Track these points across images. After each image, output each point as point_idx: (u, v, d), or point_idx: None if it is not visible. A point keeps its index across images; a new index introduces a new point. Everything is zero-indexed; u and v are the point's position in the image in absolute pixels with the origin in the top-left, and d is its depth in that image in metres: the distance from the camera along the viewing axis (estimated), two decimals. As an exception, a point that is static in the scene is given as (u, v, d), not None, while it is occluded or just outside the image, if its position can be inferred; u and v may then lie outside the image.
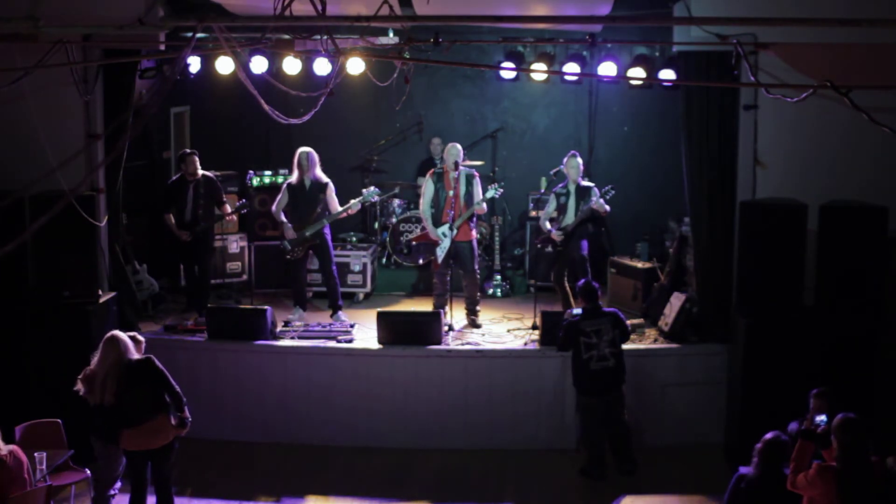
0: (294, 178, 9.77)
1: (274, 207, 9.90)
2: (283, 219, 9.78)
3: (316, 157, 9.71)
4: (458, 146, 9.71)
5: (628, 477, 8.14)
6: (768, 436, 5.81)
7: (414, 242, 10.74)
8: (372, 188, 10.12)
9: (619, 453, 8.20)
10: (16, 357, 8.45)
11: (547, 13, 9.09)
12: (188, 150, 10.13)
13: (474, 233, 9.73)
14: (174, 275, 10.84)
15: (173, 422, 6.74)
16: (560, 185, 9.68)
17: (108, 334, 6.84)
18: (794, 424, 6.50)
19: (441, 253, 9.59)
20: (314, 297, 10.52)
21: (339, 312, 9.85)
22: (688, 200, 8.90)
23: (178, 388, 6.77)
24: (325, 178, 9.75)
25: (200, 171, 10.04)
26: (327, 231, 9.82)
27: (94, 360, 6.78)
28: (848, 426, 5.42)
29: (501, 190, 9.63)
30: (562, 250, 9.58)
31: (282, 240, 9.85)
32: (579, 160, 9.56)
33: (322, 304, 10.32)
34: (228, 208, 10.20)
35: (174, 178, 10.26)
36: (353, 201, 9.77)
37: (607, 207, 9.41)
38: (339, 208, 9.73)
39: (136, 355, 6.76)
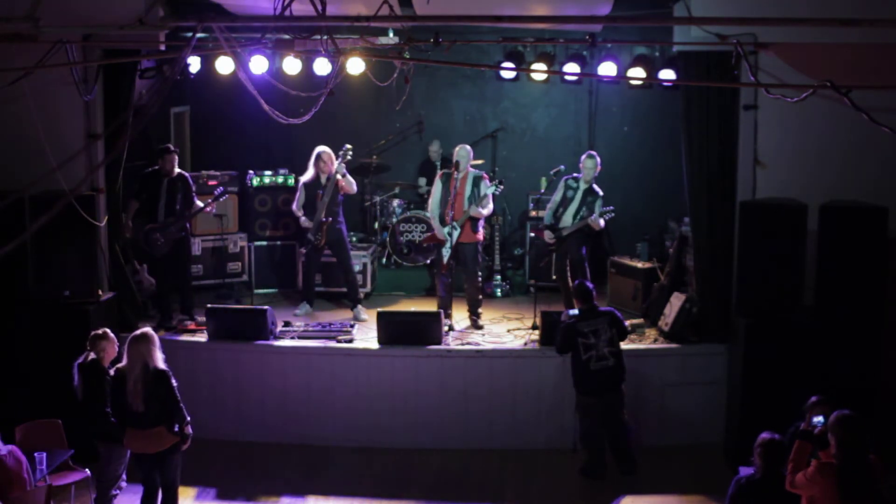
0: (309, 176, 9.85)
1: (294, 206, 10.00)
2: (300, 213, 9.89)
3: (332, 154, 9.83)
4: (468, 147, 9.65)
5: (628, 477, 8.15)
6: (766, 436, 5.78)
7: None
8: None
9: (619, 453, 8.20)
10: (16, 357, 8.46)
11: (547, 13, 9.09)
12: (168, 147, 9.68)
13: (479, 235, 9.67)
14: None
15: (175, 430, 6.72)
16: (572, 177, 9.61)
17: (141, 332, 6.73)
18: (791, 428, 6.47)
19: (446, 253, 9.57)
20: (316, 297, 10.50)
21: (359, 307, 9.92)
22: (688, 200, 8.90)
23: (182, 407, 6.74)
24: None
25: (177, 170, 9.60)
26: (343, 228, 9.94)
27: (125, 358, 6.71)
28: (845, 423, 5.41)
29: (502, 187, 9.50)
30: (555, 250, 9.58)
31: (306, 234, 9.89)
32: (597, 160, 9.49)
33: (325, 305, 10.32)
34: (199, 203, 9.65)
35: (148, 169, 9.70)
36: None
37: (601, 224, 9.39)
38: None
39: (160, 362, 6.69)
